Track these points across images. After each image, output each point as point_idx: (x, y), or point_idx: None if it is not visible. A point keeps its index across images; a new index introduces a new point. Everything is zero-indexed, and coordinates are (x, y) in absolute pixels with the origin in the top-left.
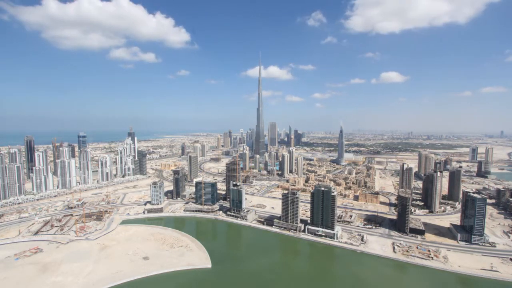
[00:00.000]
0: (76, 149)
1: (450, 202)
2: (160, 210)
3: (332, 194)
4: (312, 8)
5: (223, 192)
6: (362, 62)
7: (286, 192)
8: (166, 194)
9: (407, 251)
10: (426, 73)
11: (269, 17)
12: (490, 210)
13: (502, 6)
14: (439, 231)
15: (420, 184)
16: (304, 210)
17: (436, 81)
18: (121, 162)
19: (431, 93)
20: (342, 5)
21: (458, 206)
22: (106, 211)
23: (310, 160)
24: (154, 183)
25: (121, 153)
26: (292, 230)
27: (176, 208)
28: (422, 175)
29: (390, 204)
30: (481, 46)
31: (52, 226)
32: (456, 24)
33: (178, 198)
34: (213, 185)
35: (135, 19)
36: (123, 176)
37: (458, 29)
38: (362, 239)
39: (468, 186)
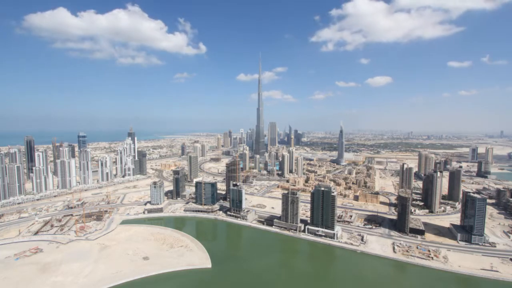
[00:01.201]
0: (76, 149)
1: (450, 202)
2: (160, 210)
3: (332, 194)
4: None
5: (223, 192)
6: (352, 67)
7: (286, 192)
8: (166, 194)
9: (407, 251)
10: (414, 75)
11: (268, 26)
12: (490, 210)
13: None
14: (439, 231)
15: (420, 184)
16: (304, 210)
17: (426, 83)
18: (121, 162)
19: (422, 94)
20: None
21: (458, 206)
22: (106, 211)
23: (310, 160)
24: (154, 183)
25: (121, 153)
26: (292, 230)
27: (176, 208)
28: (422, 175)
29: (390, 204)
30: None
31: (52, 226)
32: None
33: (178, 198)
34: (213, 185)
35: (149, 34)
36: (123, 176)
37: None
38: (362, 239)
39: (468, 186)
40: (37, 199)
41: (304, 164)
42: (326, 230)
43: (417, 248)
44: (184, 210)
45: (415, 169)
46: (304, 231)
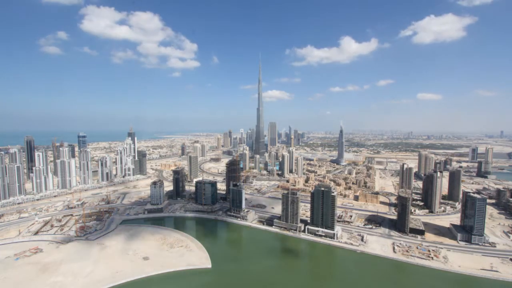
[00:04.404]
0: (76, 149)
1: (450, 202)
2: (160, 210)
3: (332, 194)
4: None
5: (223, 192)
6: (335, 75)
7: (286, 192)
8: (166, 194)
9: (407, 251)
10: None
11: (267, 32)
12: (490, 210)
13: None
14: (439, 231)
15: (420, 184)
16: (304, 210)
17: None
18: (121, 162)
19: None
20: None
21: (458, 206)
22: (106, 211)
23: (310, 160)
24: (154, 183)
25: (121, 153)
26: (292, 230)
27: (176, 208)
28: (422, 175)
29: (390, 204)
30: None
31: (52, 226)
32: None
33: (178, 198)
34: (213, 185)
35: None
36: (123, 176)
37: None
38: (362, 239)
39: (468, 186)
40: (37, 199)
41: (304, 164)
42: (326, 230)
43: (417, 248)
44: (184, 210)
45: (415, 169)
46: (304, 231)
